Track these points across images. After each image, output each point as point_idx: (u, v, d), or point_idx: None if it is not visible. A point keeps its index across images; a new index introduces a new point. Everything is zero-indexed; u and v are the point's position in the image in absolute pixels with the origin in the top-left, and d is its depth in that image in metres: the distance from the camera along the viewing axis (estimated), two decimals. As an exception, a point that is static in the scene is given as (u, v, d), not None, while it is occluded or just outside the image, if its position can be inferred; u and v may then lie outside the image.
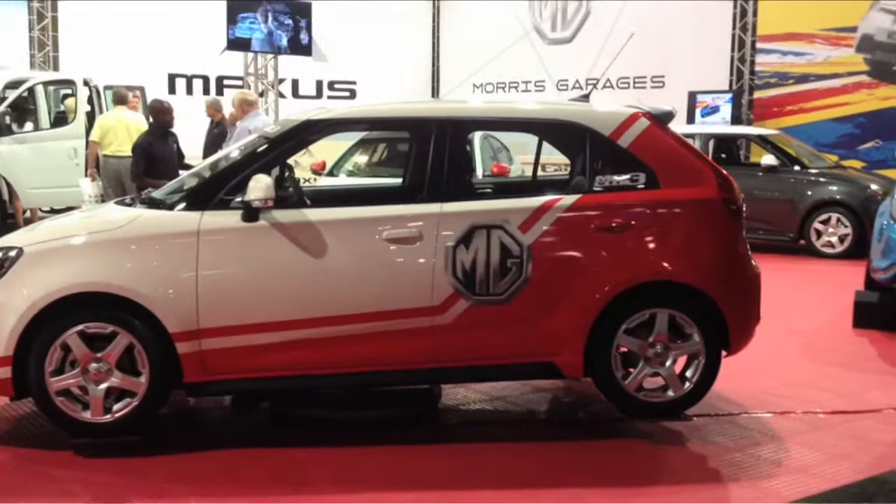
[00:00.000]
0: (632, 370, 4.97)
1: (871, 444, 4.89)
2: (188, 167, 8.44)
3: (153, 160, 9.40)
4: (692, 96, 16.65)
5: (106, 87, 13.43)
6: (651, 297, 4.94)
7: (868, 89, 15.42)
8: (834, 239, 11.99)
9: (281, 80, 19.50)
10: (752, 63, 16.94)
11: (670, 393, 5.03)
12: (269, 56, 18.70)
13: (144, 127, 11.07)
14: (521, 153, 12.76)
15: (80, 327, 4.52)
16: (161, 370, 4.58)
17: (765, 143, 12.94)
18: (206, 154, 10.55)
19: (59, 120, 13.79)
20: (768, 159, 12.39)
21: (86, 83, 13.54)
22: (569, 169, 5.37)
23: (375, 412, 5.29)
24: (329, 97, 20.54)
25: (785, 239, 12.36)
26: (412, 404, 5.38)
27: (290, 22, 18.11)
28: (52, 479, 4.36)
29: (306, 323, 4.64)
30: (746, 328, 5.12)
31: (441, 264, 4.71)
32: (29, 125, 13.42)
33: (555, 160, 10.77)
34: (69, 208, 11.65)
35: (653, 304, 4.93)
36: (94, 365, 4.55)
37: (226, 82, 19.16)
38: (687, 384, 5.01)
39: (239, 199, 4.67)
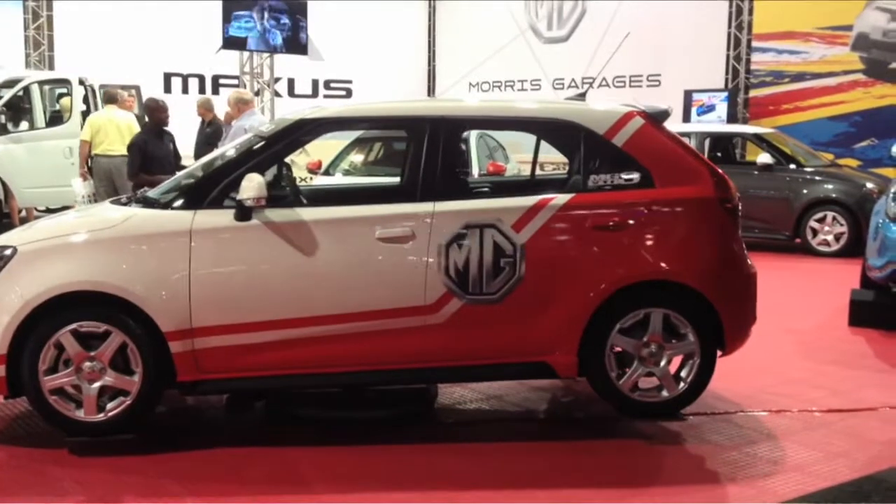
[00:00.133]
0: (627, 370, 4.97)
1: (867, 443, 4.89)
2: (184, 168, 8.43)
3: (149, 158, 9.51)
4: (688, 95, 16.66)
5: (101, 87, 13.40)
6: (645, 297, 4.94)
7: (864, 88, 15.44)
8: (830, 237, 12.01)
9: (277, 79, 19.50)
10: (748, 62, 16.96)
11: (665, 393, 5.03)
12: (265, 55, 18.69)
13: (135, 126, 11.08)
14: (517, 152, 12.76)
15: (73, 326, 4.53)
16: (154, 369, 4.59)
17: (760, 141, 12.96)
18: (198, 153, 10.54)
19: (55, 119, 13.77)
20: (764, 158, 12.40)
21: (81, 82, 13.53)
22: (567, 168, 5.35)
23: (371, 411, 5.28)
24: (325, 96, 20.54)
25: (781, 237, 12.37)
26: (408, 403, 5.37)
27: (286, 21, 18.10)
28: (48, 477, 4.35)
29: (299, 322, 4.64)
30: (742, 328, 5.12)
31: (434, 264, 4.70)
32: (24, 124, 13.42)
33: (553, 159, 10.76)
34: (65, 207, 11.61)
35: (647, 303, 4.93)
36: (87, 364, 4.56)
37: (221, 81, 19.15)
38: (682, 384, 5.02)
39: (232, 198, 4.67)
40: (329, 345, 4.68)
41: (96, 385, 4.58)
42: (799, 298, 9.13)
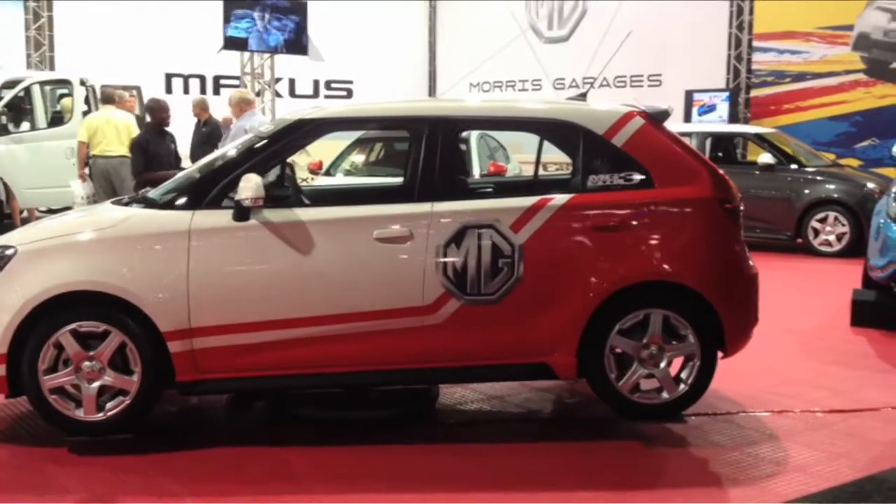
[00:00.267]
0: (627, 371, 4.95)
1: (869, 443, 4.88)
2: (184, 168, 8.45)
3: (151, 157, 9.66)
4: (689, 95, 16.66)
5: (102, 87, 13.41)
6: (645, 298, 4.92)
7: (865, 87, 15.45)
8: (831, 237, 12.00)
9: (277, 80, 19.51)
10: (749, 61, 16.96)
11: (665, 394, 5.00)
12: (266, 55, 18.69)
13: (133, 126, 11.10)
14: (518, 152, 12.75)
15: (72, 326, 4.54)
16: (153, 369, 4.59)
17: (762, 141, 12.95)
18: (193, 153, 10.54)
19: (56, 120, 13.78)
20: (765, 158, 12.39)
21: (82, 83, 13.54)
22: (570, 168, 5.35)
23: (372, 411, 5.28)
24: (326, 96, 20.56)
25: (782, 237, 12.36)
26: (409, 404, 5.37)
27: (287, 21, 18.09)
28: (48, 476, 4.36)
29: (297, 322, 4.64)
30: (743, 329, 5.09)
31: (432, 264, 4.70)
32: (25, 125, 13.43)
33: (556, 159, 10.75)
34: (66, 208, 11.62)
35: (647, 304, 4.90)
36: (86, 363, 4.57)
37: (222, 82, 19.17)
38: (682, 386, 4.99)
39: (231, 198, 4.67)
40: (327, 345, 4.67)
41: (95, 385, 4.59)
42: (800, 298, 9.13)
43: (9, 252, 4.66)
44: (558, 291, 4.78)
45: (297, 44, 18.36)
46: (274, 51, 18.36)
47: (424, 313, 4.70)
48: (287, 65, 19.42)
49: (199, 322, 4.58)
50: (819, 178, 12.34)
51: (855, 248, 11.35)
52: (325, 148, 10.26)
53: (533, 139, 5.69)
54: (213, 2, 17.30)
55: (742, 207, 5.20)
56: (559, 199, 4.85)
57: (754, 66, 16.89)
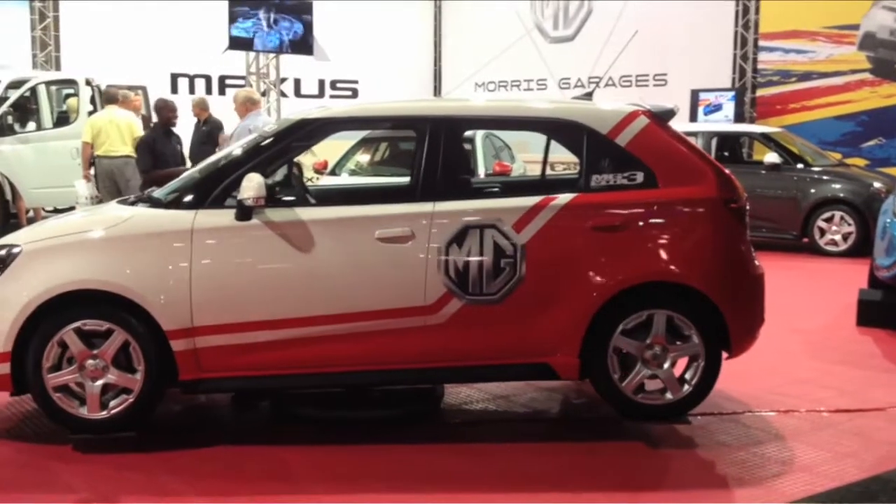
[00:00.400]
0: (630, 372, 4.92)
1: (875, 443, 4.87)
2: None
3: (157, 156, 9.84)
4: (695, 94, 16.63)
5: (107, 87, 13.43)
6: (648, 298, 4.89)
7: (871, 87, 15.41)
8: (837, 237, 11.98)
9: (283, 80, 19.49)
10: (755, 61, 16.93)
11: (669, 395, 4.97)
12: (271, 55, 18.69)
13: (136, 125, 11.13)
14: (524, 151, 12.75)
15: (76, 324, 4.56)
16: (156, 367, 4.61)
17: (768, 140, 12.93)
18: (193, 153, 10.57)
19: (62, 120, 13.81)
20: (771, 157, 12.36)
21: (88, 83, 13.56)
22: (577, 167, 5.33)
23: (377, 411, 5.28)
24: (331, 96, 20.56)
25: (788, 237, 12.34)
26: (414, 403, 5.36)
27: (292, 21, 18.10)
28: (53, 473, 4.39)
29: (299, 322, 4.64)
30: (748, 330, 5.06)
31: (434, 264, 4.69)
32: (31, 125, 13.44)
33: (563, 159, 10.74)
34: (72, 208, 11.64)
35: (650, 304, 4.88)
36: (90, 362, 4.59)
37: (228, 82, 19.18)
38: (686, 387, 4.96)
39: (234, 197, 4.68)
40: (329, 345, 4.67)
41: (99, 383, 4.61)
42: (806, 298, 9.11)
43: (14, 251, 4.68)
44: (561, 292, 4.76)
45: (302, 44, 18.36)
46: (279, 51, 18.36)
47: (426, 313, 4.70)
48: (292, 65, 19.42)
49: (202, 321, 4.58)
50: (825, 177, 12.32)
51: (861, 248, 11.33)
52: (331, 148, 10.27)
53: (538, 138, 5.69)
54: (219, 2, 17.30)
55: (748, 207, 5.17)
56: (562, 198, 4.84)
57: (760, 66, 16.86)
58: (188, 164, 10.03)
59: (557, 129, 5.20)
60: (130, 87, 13.10)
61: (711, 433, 4.95)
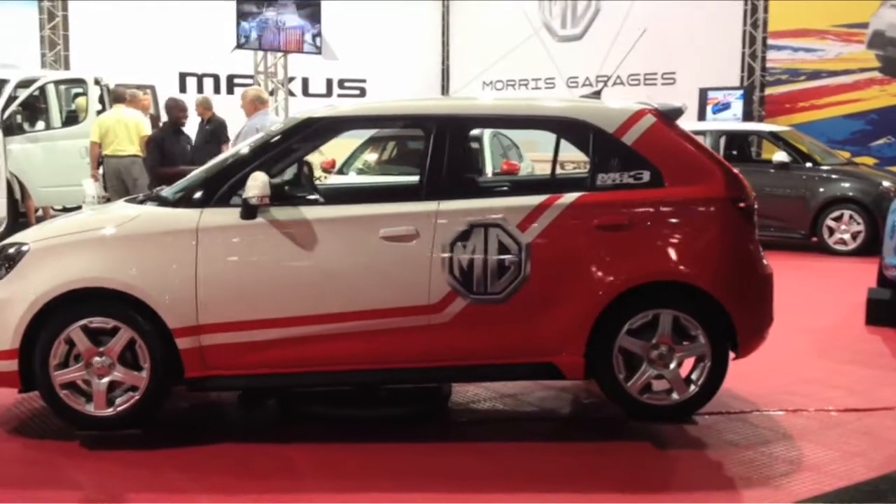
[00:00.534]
0: (636, 372, 4.91)
1: (883, 442, 4.85)
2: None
3: (165, 154, 9.99)
4: (703, 93, 16.60)
5: (115, 86, 13.46)
6: (654, 298, 4.87)
7: (880, 86, 15.36)
8: (846, 236, 11.95)
9: (291, 79, 19.51)
10: (764, 59, 16.89)
11: (675, 396, 4.94)
12: (279, 54, 18.71)
13: (143, 124, 11.19)
14: (532, 150, 12.73)
15: (83, 322, 4.59)
16: (162, 365, 4.63)
17: (776, 139, 12.89)
18: (196, 152, 10.60)
19: (71, 119, 13.85)
20: (780, 156, 12.33)
21: (97, 82, 13.60)
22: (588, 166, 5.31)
23: (384, 409, 5.28)
24: (339, 95, 20.55)
25: (797, 236, 12.31)
26: (422, 402, 5.36)
27: (300, 20, 18.12)
28: (61, 470, 4.42)
29: (303, 320, 4.65)
30: (756, 330, 5.02)
31: (438, 263, 4.68)
32: (40, 124, 13.50)
33: (573, 157, 10.72)
34: (80, 207, 11.69)
35: (656, 304, 4.86)
36: (97, 359, 4.62)
37: (236, 81, 19.19)
38: (692, 387, 4.94)
39: (239, 195, 4.70)
40: (333, 343, 4.68)
41: (105, 380, 4.64)
42: (815, 297, 9.09)
43: (22, 249, 4.72)
44: (566, 291, 4.75)
45: (310, 43, 18.39)
46: (287, 50, 18.39)
47: (430, 312, 4.69)
48: (300, 64, 19.44)
49: (207, 319, 4.60)
50: (834, 176, 12.28)
51: (870, 247, 11.27)
52: (339, 147, 10.29)
53: (546, 137, 5.68)
54: (227, 1, 17.35)
55: (756, 206, 5.14)
56: (567, 197, 4.82)
57: (769, 64, 16.81)
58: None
59: (563, 127, 5.19)
60: (139, 87, 13.14)
61: (719, 432, 4.93)
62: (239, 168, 4.84)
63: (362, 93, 20.69)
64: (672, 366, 4.90)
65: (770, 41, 16.77)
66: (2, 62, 13.81)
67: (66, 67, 17.64)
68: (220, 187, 4.79)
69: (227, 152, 5.82)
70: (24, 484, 4.24)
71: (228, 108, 12.18)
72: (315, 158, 10.85)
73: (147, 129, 11.13)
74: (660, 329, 4.85)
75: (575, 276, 4.76)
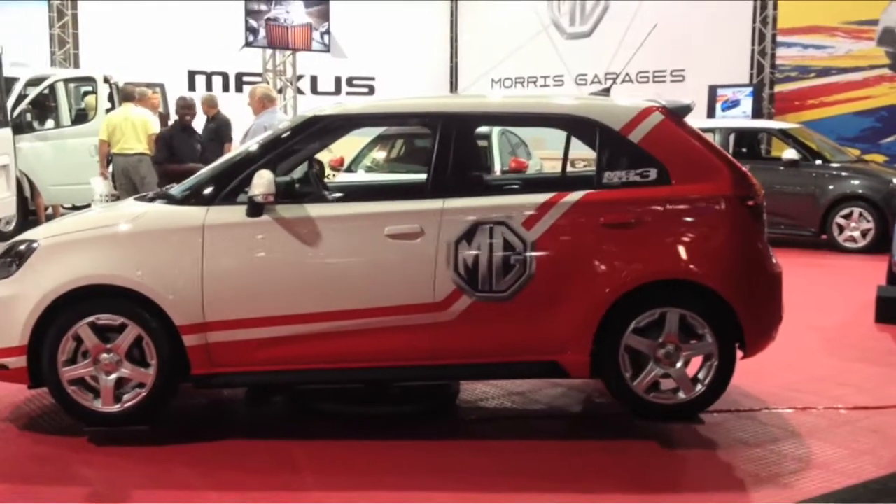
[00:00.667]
0: (643, 371, 4.88)
1: (892, 440, 4.84)
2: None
3: (174, 151, 10.07)
4: (712, 90, 16.56)
5: (124, 84, 13.49)
6: (660, 296, 4.83)
7: (890, 83, 15.30)
8: (856, 233, 11.90)
9: (300, 77, 19.53)
10: (773, 56, 16.83)
11: (682, 395, 4.91)
12: (288, 52, 18.73)
13: (151, 123, 11.25)
14: (540, 148, 12.71)
15: (91, 319, 4.61)
16: (169, 362, 4.65)
17: (786, 137, 12.85)
18: (201, 149, 10.65)
19: (80, 117, 13.89)
20: (790, 153, 12.29)
21: (106, 80, 13.64)
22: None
23: (392, 407, 5.28)
24: (348, 93, 20.57)
25: (807, 234, 12.27)
26: (430, 399, 5.36)
27: (309, 18, 18.14)
28: (70, 465, 4.45)
29: (308, 317, 4.66)
30: (764, 329, 4.98)
31: (443, 260, 4.67)
32: (50, 122, 13.55)
33: (583, 155, 10.70)
34: (90, 205, 11.72)
35: (662, 303, 4.82)
36: (104, 356, 4.65)
37: (245, 79, 19.22)
38: (699, 386, 4.90)
39: (245, 193, 4.71)
40: (338, 340, 4.68)
41: (113, 376, 4.67)
42: (824, 295, 9.06)
43: (32, 246, 4.75)
44: (571, 289, 4.73)
45: (319, 41, 18.40)
46: (296, 48, 18.41)
47: (436, 310, 4.69)
48: (309, 62, 19.45)
49: (213, 316, 4.62)
50: (844, 173, 12.24)
51: (880, 245, 11.24)
52: (348, 144, 10.29)
53: (555, 135, 5.66)
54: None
55: (765, 204, 5.10)
56: (573, 195, 4.80)
57: (778, 62, 16.76)
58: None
59: (570, 125, 5.18)
60: (148, 85, 13.15)
61: (728, 430, 4.92)
62: (245, 166, 4.86)
63: (371, 91, 20.70)
64: (679, 365, 4.86)
65: (780, 38, 16.71)
66: (12, 60, 13.79)
67: (76, 66, 17.69)
68: (227, 185, 4.80)
69: (235, 150, 5.82)
70: (34, 479, 4.27)
71: (237, 106, 12.21)
72: (323, 156, 10.86)
73: (155, 128, 11.17)
74: (666, 328, 4.82)
75: (581, 274, 4.74)
